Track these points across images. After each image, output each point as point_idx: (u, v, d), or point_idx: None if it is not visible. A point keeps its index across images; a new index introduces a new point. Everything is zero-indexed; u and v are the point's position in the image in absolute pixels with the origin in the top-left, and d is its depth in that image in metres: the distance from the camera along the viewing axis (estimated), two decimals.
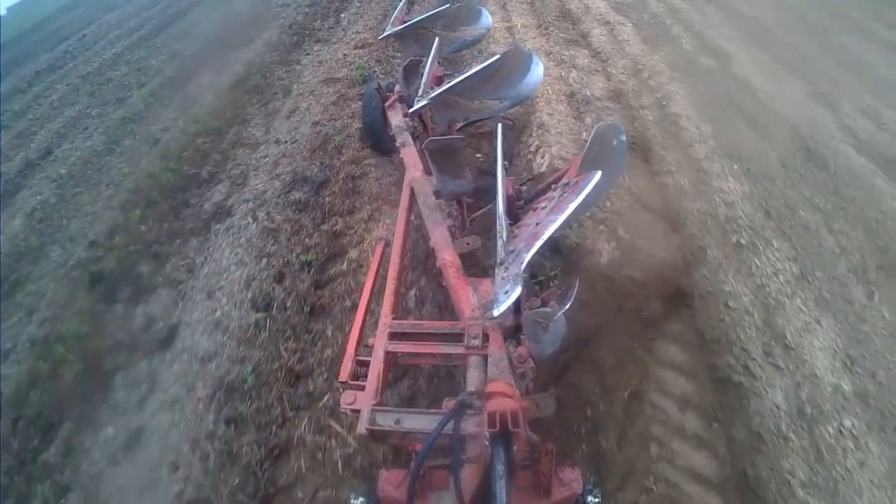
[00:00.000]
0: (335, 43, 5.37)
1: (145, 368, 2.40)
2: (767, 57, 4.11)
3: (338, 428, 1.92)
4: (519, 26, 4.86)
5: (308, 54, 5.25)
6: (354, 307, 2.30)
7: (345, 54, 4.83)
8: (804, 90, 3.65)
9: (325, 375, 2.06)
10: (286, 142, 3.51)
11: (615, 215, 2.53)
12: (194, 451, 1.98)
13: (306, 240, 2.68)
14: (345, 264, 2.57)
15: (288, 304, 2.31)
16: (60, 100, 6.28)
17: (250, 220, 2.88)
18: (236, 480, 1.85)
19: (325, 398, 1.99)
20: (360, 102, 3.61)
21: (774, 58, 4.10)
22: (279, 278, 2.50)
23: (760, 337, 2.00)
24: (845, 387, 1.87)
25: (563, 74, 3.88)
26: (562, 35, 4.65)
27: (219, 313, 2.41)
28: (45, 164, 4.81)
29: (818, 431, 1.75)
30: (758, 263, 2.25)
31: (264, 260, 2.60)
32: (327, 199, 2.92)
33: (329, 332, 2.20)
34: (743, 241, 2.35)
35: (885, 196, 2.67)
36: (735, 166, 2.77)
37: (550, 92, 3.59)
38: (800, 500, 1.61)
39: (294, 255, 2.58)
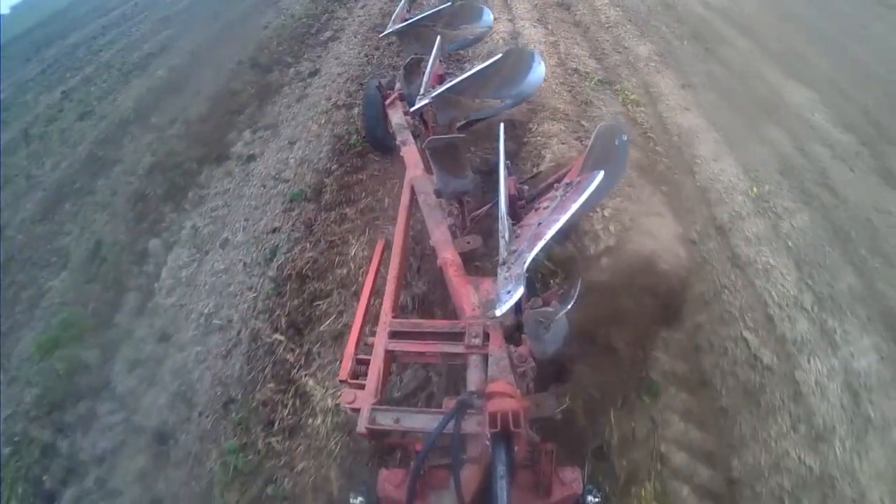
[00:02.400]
0: None
1: (301, 85, 4.99)
2: None
3: None
4: None
5: None
6: None
7: None
8: None
9: None
10: (364, 16, 6.35)
11: (550, 25, 5.33)
12: (337, 97, 4.53)
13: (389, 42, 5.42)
14: None
15: (384, 53, 5.01)
16: (149, 31, 8.75)
17: (353, 38, 5.68)
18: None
19: None
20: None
21: None
22: (376, 49, 5.22)
23: (612, 47, 4.82)
24: (655, 57, 4.60)
25: None
26: None
27: (344, 60, 5.12)
28: (163, 54, 7.38)
29: (637, 66, 4.46)
30: (617, 31, 5.13)
31: (365, 46, 5.35)
32: None
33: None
34: (610, 26, 5.24)
35: (713, 21, 5.48)
36: (617, 7, 5.71)
37: None
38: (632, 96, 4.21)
39: (384, 43, 5.27)
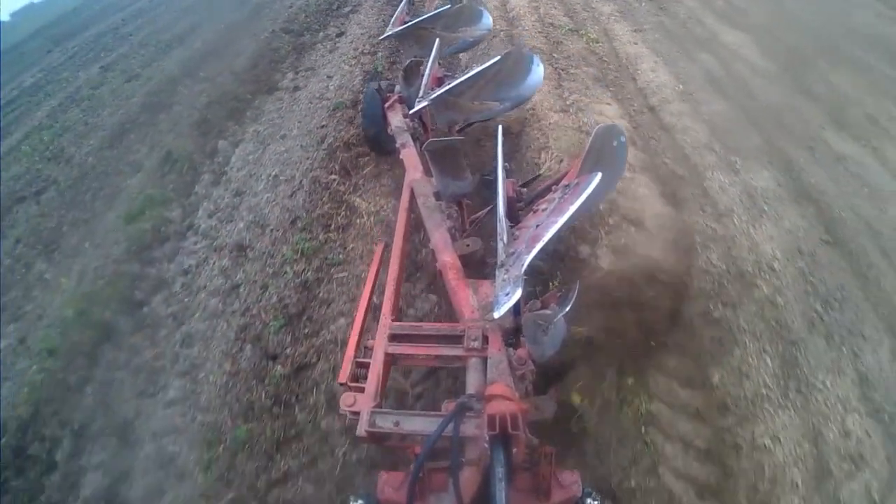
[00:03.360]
0: None
1: (331, 43, 6.31)
2: None
3: None
4: None
5: None
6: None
7: None
8: None
9: None
10: None
11: None
12: (363, 47, 5.84)
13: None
14: None
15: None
16: (175, 18, 10.09)
17: (370, 10, 7.07)
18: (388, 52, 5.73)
19: None
20: None
21: None
22: (390, 17, 6.57)
23: (582, 8, 6.19)
24: (616, 14, 6.00)
25: None
26: None
27: (365, 25, 6.47)
28: (197, 32, 8.62)
29: (600, 20, 5.85)
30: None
31: (382, 15, 6.70)
32: None
33: None
34: None
35: None
36: None
37: None
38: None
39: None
